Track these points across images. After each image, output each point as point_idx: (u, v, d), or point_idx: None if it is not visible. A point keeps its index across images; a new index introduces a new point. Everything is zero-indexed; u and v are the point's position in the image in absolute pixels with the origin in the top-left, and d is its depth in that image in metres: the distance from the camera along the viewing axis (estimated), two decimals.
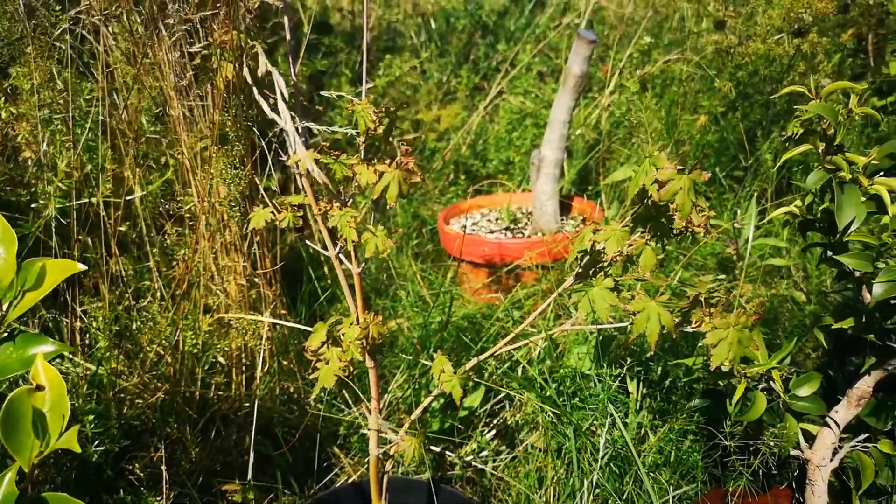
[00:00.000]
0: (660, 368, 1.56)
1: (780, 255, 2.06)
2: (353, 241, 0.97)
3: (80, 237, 1.47)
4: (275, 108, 0.86)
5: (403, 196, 0.89)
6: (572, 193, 2.74)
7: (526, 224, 2.61)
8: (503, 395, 1.59)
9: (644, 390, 1.48)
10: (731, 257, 1.95)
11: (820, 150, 1.11)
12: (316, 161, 0.93)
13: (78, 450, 0.66)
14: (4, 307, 0.84)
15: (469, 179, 3.05)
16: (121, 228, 1.52)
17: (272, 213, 1.04)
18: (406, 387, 1.65)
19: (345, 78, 3.01)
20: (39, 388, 0.73)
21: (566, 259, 2.21)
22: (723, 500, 1.40)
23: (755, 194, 2.10)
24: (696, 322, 1.05)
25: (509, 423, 1.56)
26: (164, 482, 1.20)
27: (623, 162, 2.63)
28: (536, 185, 2.46)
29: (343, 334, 1.10)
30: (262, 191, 1.08)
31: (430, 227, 2.77)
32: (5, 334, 0.85)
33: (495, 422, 1.55)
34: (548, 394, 1.42)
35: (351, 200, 1.04)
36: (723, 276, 1.93)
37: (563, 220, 2.52)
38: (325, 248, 1.08)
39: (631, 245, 1.07)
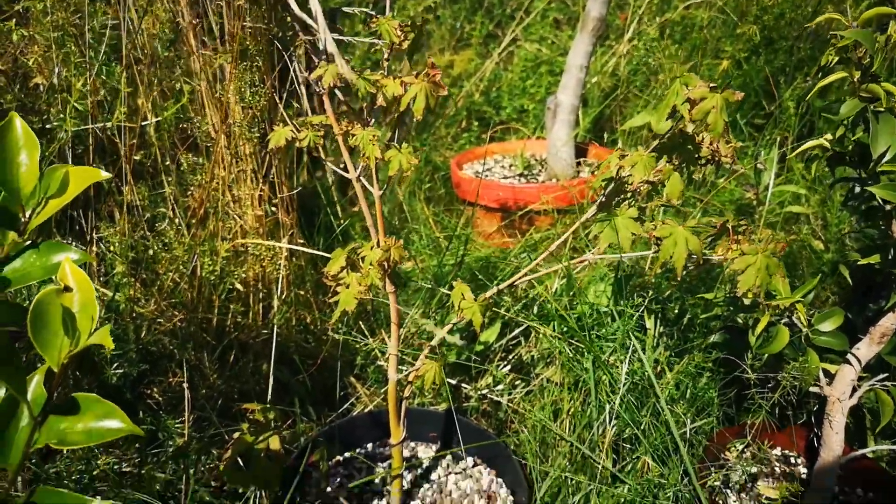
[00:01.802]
0: (677, 308, 1.56)
1: (800, 202, 2.03)
2: (376, 159, 0.95)
3: (94, 164, 1.45)
4: (304, 7, 0.83)
5: (430, 110, 0.87)
6: (587, 141, 2.71)
7: (540, 171, 2.59)
8: (519, 331, 1.59)
9: (661, 328, 1.47)
10: (750, 203, 1.93)
11: (855, 79, 1.08)
12: (339, 77, 0.91)
13: (111, 346, 0.66)
14: (27, 214, 0.82)
15: (482, 126, 3.01)
16: (135, 157, 1.50)
17: (293, 132, 1.02)
18: (422, 320, 1.65)
19: (358, 18, 2.95)
20: (67, 289, 0.73)
21: (582, 203, 2.19)
22: (739, 435, 1.41)
23: (776, 141, 2.07)
24: (722, 250, 1.04)
25: (525, 358, 1.56)
26: (186, 402, 1.21)
27: (641, 109, 2.59)
28: (552, 130, 2.42)
29: (363, 258, 1.09)
30: (282, 110, 1.06)
31: (442, 173, 2.75)
32: (28, 242, 0.85)
33: (511, 357, 1.56)
34: (566, 328, 1.41)
35: (372, 121, 1.02)
36: (744, 220, 1.90)
37: (578, 166, 2.49)
38: (345, 171, 1.06)
39: (658, 172, 1.05)
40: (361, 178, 1.06)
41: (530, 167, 2.61)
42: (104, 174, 0.84)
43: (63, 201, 0.82)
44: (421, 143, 2.83)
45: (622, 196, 1.14)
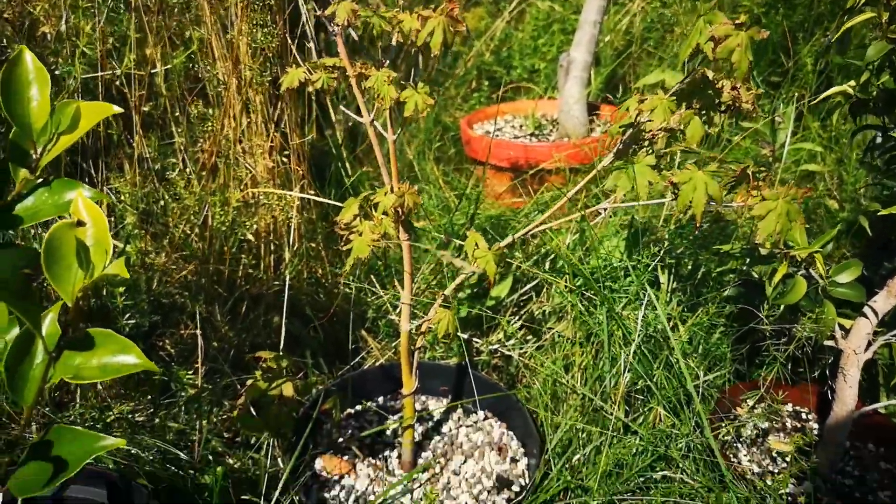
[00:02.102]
0: (690, 263, 1.54)
1: (816, 161, 2.00)
2: (391, 100, 0.93)
3: None
4: None
5: (447, 46, 0.85)
6: (600, 100, 2.66)
7: (551, 131, 2.55)
8: (531, 286, 1.58)
9: (674, 284, 1.46)
10: (766, 160, 1.90)
11: (883, 20, 1.05)
12: (353, 11, 0.88)
13: (127, 275, 0.65)
14: (39, 150, 0.81)
15: (492, 86, 2.97)
16: (145, 108, 1.48)
17: (305, 73, 1.00)
18: (432, 279, 1.65)
19: None
20: (81, 223, 0.72)
21: (594, 162, 2.17)
22: (751, 391, 1.40)
23: (794, 98, 2.03)
24: (742, 196, 1.02)
25: (536, 314, 1.56)
26: (198, 350, 1.21)
27: (654, 68, 2.54)
28: (564, 88, 2.39)
29: (376, 205, 1.08)
30: (294, 51, 1.04)
31: (452, 133, 2.72)
32: (40, 180, 0.84)
33: (522, 312, 1.55)
34: (579, 281, 1.40)
35: (387, 62, 0.99)
36: (764, 168, 1.88)
37: (590, 124, 2.46)
38: (359, 115, 1.04)
39: (677, 118, 1.03)
40: (375, 122, 1.05)
41: (541, 127, 2.58)
42: (116, 108, 0.83)
43: (74, 137, 0.81)
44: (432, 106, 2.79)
45: (639, 144, 1.12)
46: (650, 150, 1.11)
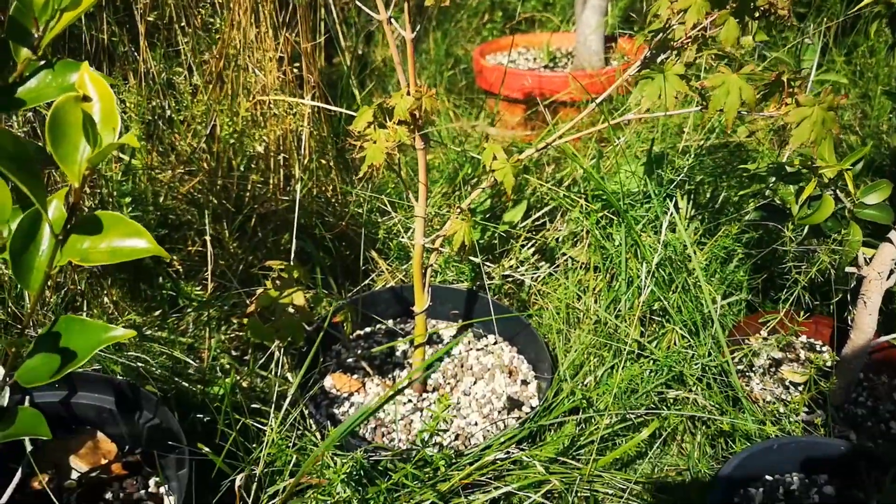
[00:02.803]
0: (710, 190, 1.50)
1: (840, 93, 1.94)
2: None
3: (107, 24, 1.38)
4: None
5: None
6: (617, 34, 2.58)
7: (566, 64, 2.48)
8: (544, 212, 1.54)
9: (692, 211, 1.43)
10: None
11: None
12: None
13: (137, 145, 0.62)
14: (41, 28, 0.77)
15: (505, 18, 2.88)
16: (149, 18, 1.43)
17: None
18: (443, 202, 1.61)
19: None
20: (87, 98, 0.68)
21: (611, 96, 2.10)
22: (765, 322, 1.38)
23: (821, 29, 1.96)
24: (775, 105, 0.97)
25: (549, 242, 1.53)
26: (208, 265, 1.18)
27: None
28: (581, 16, 2.31)
29: (391, 110, 1.03)
30: None
31: (463, 66, 2.64)
32: (42, 62, 0.79)
33: (536, 238, 1.52)
34: (596, 206, 1.37)
35: None
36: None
37: (607, 55, 2.39)
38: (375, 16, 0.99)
39: (710, 19, 0.98)
40: (392, 20, 0.99)
41: (555, 60, 2.51)
42: None
43: (77, 13, 0.76)
44: (443, 32, 2.71)
45: (668, 53, 1.07)
46: (678, 60, 1.06)
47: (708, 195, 1.52)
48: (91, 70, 0.73)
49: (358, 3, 0.94)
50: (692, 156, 1.57)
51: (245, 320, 1.03)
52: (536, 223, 1.56)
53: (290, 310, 1.11)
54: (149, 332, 1.27)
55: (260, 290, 1.05)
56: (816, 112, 0.93)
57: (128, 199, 1.21)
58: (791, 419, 1.16)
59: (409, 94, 1.02)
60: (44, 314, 1.13)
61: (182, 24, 1.43)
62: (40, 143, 1.03)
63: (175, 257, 1.36)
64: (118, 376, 1.09)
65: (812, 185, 1.10)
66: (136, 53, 1.43)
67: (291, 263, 1.10)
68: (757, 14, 1.03)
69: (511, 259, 1.50)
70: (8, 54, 0.78)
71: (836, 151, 1.91)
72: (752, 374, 1.36)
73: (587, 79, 2.09)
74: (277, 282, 1.06)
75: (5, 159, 0.64)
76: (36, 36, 0.77)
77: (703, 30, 1.00)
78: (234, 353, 1.36)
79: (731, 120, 0.94)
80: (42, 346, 0.76)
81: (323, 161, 1.43)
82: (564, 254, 1.44)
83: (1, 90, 0.78)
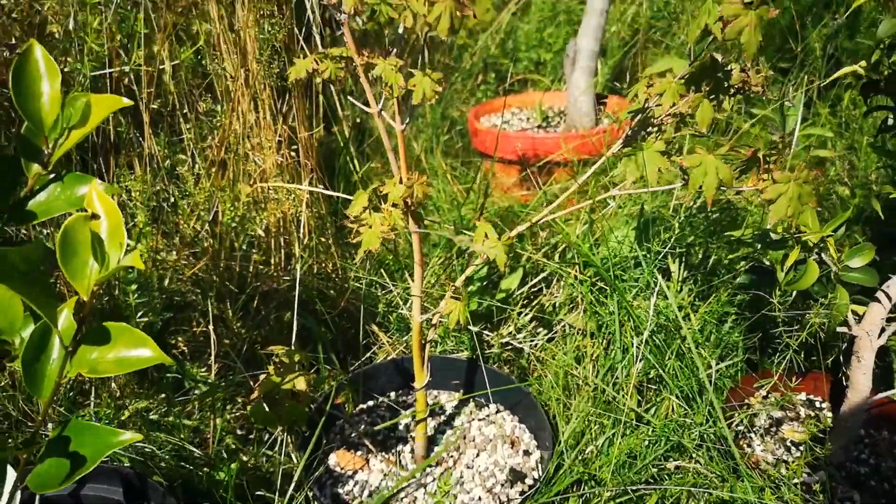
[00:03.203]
0: (701, 251, 1.54)
1: (826, 147, 1.99)
2: (399, 89, 0.93)
3: (113, 113, 1.44)
4: None
5: (455, 30, 0.85)
6: (607, 92, 2.66)
7: (558, 123, 2.55)
8: (540, 278, 1.58)
9: (685, 273, 1.46)
10: (775, 147, 1.89)
11: None
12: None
13: (142, 267, 0.65)
14: (50, 145, 0.82)
15: (498, 79, 2.97)
16: (153, 106, 1.49)
17: (314, 63, 1.00)
18: (441, 272, 1.65)
19: None
20: (95, 216, 0.72)
21: (602, 154, 2.16)
22: (763, 380, 1.40)
23: (803, 82, 2.02)
24: (753, 180, 1.01)
25: (546, 306, 1.55)
26: (211, 348, 1.21)
27: (661, 58, 2.53)
28: (571, 78, 2.38)
29: (385, 197, 1.07)
30: (301, 42, 1.04)
31: (458, 127, 2.71)
32: (52, 175, 0.84)
33: (533, 304, 1.55)
34: (589, 272, 1.40)
35: (393, 52, 0.99)
36: (773, 152, 1.87)
37: (597, 116, 2.45)
38: (366, 106, 1.04)
39: (685, 100, 1.02)
40: (383, 112, 1.04)
41: (548, 119, 2.57)
42: (126, 101, 0.83)
43: (86, 131, 0.81)
44: (437, 99, 2.79)
45: (648, 130, 1.12)
46: (659, 136, 1.11)
47: (700, 255, 1.55)
48: (98, 188, 0.77)
49: (350, 99, 0.99)
50: (682, 216, 1.60)
51: (249, 407, 1.05)
52: (533, 289, 1.59)
53: (297, 388, 1.14)
54: (155, 417, 1.29)
55: (263, 376, 1.08)
56: (792, 188, 0.96)
57: (133, 287, 1.25)
58: (791, 484, 1.17)
59: (401, 181, 1.07)
60: (53, 408, 1.15)
61: (185, 110, 1.49)
62: (50, 244, 1.07)
63: (180, 338, 1.40)
64: (125, 466, 1.11)
65: (795, 252, 1.14)
66: (140, 140, 1.48)
67: (293, 347, 1.13)
68: (732, 91, 1.07)
69: (509, 326, 1.53)
70: (19, 170, 0.82)
71: (824, 204, 1.95)
72: (752, 435, 1.36)
73: (579, 140, 2.14)
74: (280, 367, 1.09)
75: (17, 279, 0.67)
76: (46, 152, 0.82)
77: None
78: (239, 431, 1.38)
79: (710, 199, 0.98)
80: (52, 451, 0.79)
81: (322, 239, 1.47)
82: (561, 320, 1.47)
83: (13, 205, 0.82)
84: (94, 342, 0.74)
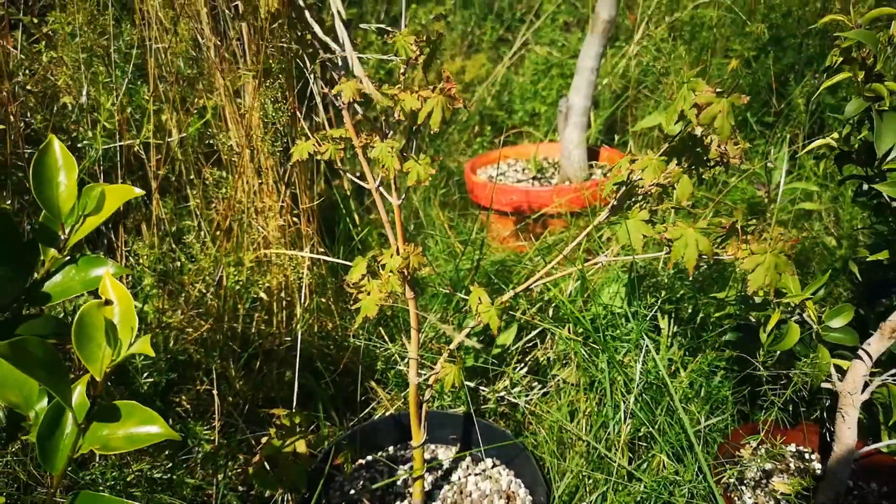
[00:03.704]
0: (690, 307, 1.58)
1: (812, 199, 2.05)
2: (395, 170, 0.99)
3: (122, 180, 1.51)
4: (328, 31, 0.87)
5: (446, 122, 0.91)
6: (599, 143, 2.73)
7: (553, 174, 2.62)
8: (535, 333, 1.62)
9: (675, 328, 1.50)
10: (761, 201, 1.95)
11: (859, 79, 1.11)
12: (358, 91, 0.95)
13: (152, 353, 0.70)
14: (66, 231, 0.87)
15: (495, 131, 3.05)
16: (160, 172, 1.55)
17: (314, 145, 1.06)
18: (437, 326, 1.69)
19: (371, 31, 3.00)
20: (108, 302, 0.77)
21: (595, 206, 2.22)
22: (753, 433, 1.43)
23: (787, 138, 2.09)
24: (732, 250, 1.06)
25: (541, 360, 1.59)
26: (215, 408, 1.25)
27: (651, 110, 2.61)
28: (564, 133, 2.45)
29: (383, 266, 1.13)
30: (303, 124, 1.10)
31: (456, 178, 2.78)
32: (67, 258, 0.89)
33: (527, 359, 1.59)
34: (581, 329, 1.44)
35: (391, 133, 1.06)
36: (754, 220, 1.93)
37: (590, 168, 2.52)
38: (363, 182, 1.10)
39: (667, 175, 1.08)
40: (380, 188, 1.10)
41: (543, 170, 2.64)
42: (137, 191, 0.89)
43: (100, 219, 0.87)
44: (435, 149, 2.87)
45: (633, 199, 1.17)
46: (644, 206, 1.16)
47: (689, 310, 1.59)
48: (111, 275, 0.83)
49: (349, 176, 1.05)
50: (672, 270, 1.65)
51: (250, 469, 1.09)
52: (528, 344, 1.63)
53: (297, 451, 1.18)
54: (158, 475, 1.32)
55: (264, 439, 1.11)
56: (769, 258, 1.02)
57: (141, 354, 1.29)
58: None
59: (398, 252, 1.12)
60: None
61: (191, 177, 1.55)
62: (62, 318, 1.12)
63: (184, 397, 1.43)
64: None
65: (776, 315, 1.18)
66: (148, 204, 1.54)
67: (294, 404, 1.17)
68: (711, 164, 1.13)
69: (505, 380, 1.57)
70: (37, 255, 0.88)
71: (812, 252, 2.00)
72: (743, 488, 1.39)
73: (572, 193, 2.21)
74: (281, 430, 1.13)
75: (33, 364, 0.72)
76: (62, 238, 0.88)
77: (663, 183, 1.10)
78: (241, 488, 1.41)
79: (692, 269, 1.03)
80: None
81: (322, 299, 1.52)
82: (555, 375, 1.51)
83: (30, 286, 0.88)
84: (106, 419, 0.79)
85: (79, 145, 1.39)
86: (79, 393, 0.81)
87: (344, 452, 1.24)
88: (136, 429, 0.78)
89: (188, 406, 1.45)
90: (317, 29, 0.87)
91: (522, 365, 1.58)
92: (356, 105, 0.98)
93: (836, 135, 1.19)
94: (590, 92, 2.39)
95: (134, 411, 0.78)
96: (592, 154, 2.59)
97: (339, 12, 0.84)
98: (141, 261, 1.43)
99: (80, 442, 0.78)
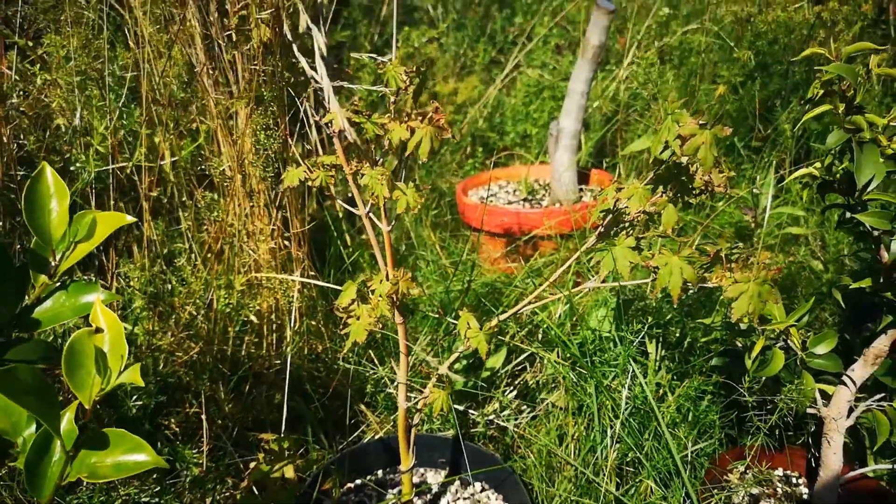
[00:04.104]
0: (678, 331, 1.59)
1: (798, 223, 2.07)
2: (384, 199, 1.00)
3: (114, 202, 1.51)
4: (313, 65, 0.89)
5: (434, 152, 0.92)
6: (590, 166, 2.76)
7: (544, 196, 2.64)
8: (524, 356, 1.63)
9: (662, 352, 1.51)
10: (748, 225, 1.97)
11: (840, 111, 1.13)
12: (348, 119, 0.96)
13: (141, 383, 0.71)
14: (58, 258, 0.88)
15: (486, 152, 3.07)
16: (152, 193, 1.56)
17: (305, 172, 1.07)
18: (429, 350, 1.70)
19: (364, 50, 3.03)
20: (99, 330, 0.78)
21: (585, 228, 2.24)
22: (740, 457, 1.44)
23: (773, 163, 2.11)
24: (716, 277, 1.08)
25: (530, 384, 1.60)
26: (203, 432, 1.25)
27: (641, 133, 2.64)
28: (555, 156, 2.48)
29: (373, 291, 1.14)
30: (294, 151, 1.12)
31: (448, 199, 2.80)
32: (58, 283, 0.90)
33: (517, 382, 1.60)
34: (569, 353, 1.46)
35: (381, 160, 1.07)
36: (740, 244, 1.95)
37: (581, 190, 2.55)
38: (353, 206, 1.12)
39: (653, 203, 1.10)
40: (370, 214, 1.12)
41: (534, 192, 2.66)
42: (129, 218, 0.89)
43: (91, 245, 0.87)
44: (427, 170, 2.89)
45: (620, 226, 1.19)
46: (630, 232, 1.18)
47: (677, 334, 1.60)
48: (101, 302, 0.83)
49: (339, 202, 1.06)
50: (660, 294, 1.67)
51: (238, 495, 1.09)
52: (518, 367, 1.64)
53: (285, 476, 1.18)
54: (146, 499, 1.32)
55: (253, 465, 1.12)
56: (752, 287, 1.03)
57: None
58: None
59: (387, 277, 1.13)
60: None
61: (183, 198, 1.56)
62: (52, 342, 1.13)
63: (172, 420, 1.43)
64: None
65: (761, 341, 1.20)
66: (140, 225, 1.55)
67: (283, 428, 1.17)
68: (696, 192, 1.15)
69: (494, 403, 1.57)
70: (27, 280, 0.88)
71: (799, 276, 2.02)
72: None
73: (562, 215, 2.23)
74: (269, 454, 1.13)
75: (22, 392, 0.72)
76: (53, 264, 0.88)
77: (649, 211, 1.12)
78: None
79: (676, 296, 1.04)
80: None
81: (313, 322, 1.53)
82: (544, 399, 1.52)
83: (20, 312, 0.88)
84: (94, 447, 0.79)
85: (72, 168, 1.39)
86: (67, 420, 0.81)
87: (332, 477, 1.24)
88: (125, 457, 0.78)
89: (177, 429, 1.44)
90: (304, 62, 0.88)
91: (511, 388, 1.58)
92: (347, 135, 0.99)
93: (818, 164, 1.22)
94: (580, 115, 2.42)
95: (122, 439, 0.78)
96: (582, 176, 2.62)
97: (320, 49, 0.86)
98: (132, 283, 1.43)
99: (67, 469, 0.79)
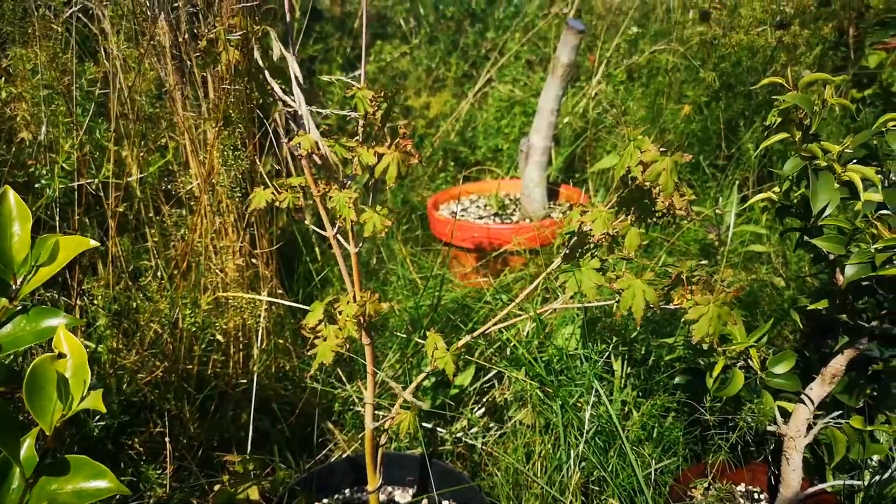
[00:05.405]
0: (643, 349, 1.62)
1: (761, 241, 2.12)
2: (352, 221, 1.01)
3: (79, 217, 1.49)
4: (287, 91, 0.90)
5: (402, 177, 0.93)
6: (559, 181, 2.79)
7: (514, 210, 2.66)
8: (493, 374, 1.64)
9: (628, 369, 1.54)
10: (712, 243, 2.02)
11: (797, 139, 1.17)
12: (316, 143, 0.97)
13: (103, 410, 0.70)
14: (18, 282, 0.87)
15: (458, 166, 3.09)
16: (119, 209, 1.54)
17: (273, 193, 1.07)
18: (398, 367, 1.70)
19: (336, 64, 3.03)
20: (62, 355, 0.77)
21: (553, 244, 2.27)
22: (703, 474, 1.46)
23: (737, 182, 2.16)
24: (678, 299, 1.10)
25: (498, 401, 1.61)
26: (167, 452, 1.24)
27: (609, 150, 2.68)
28: (525, 172, 2.51)
29: (340, 312, 1.14)
30: (262, 172, 1.12)
31: (419, 212, 2.81)
32: (19, 308, 0.89)
33: (485, 400, 1.61)
34: (536, 371, 1.47)
35: (349, 182, 1.08)
36: (705, 262, 1.99)
37: (550, 206, 2.58)
38: (322, 228, 1.12)
39: (616, 226, 1.12)
40: (338, 235, 1.12)
41: (505, 207, 2.69)
42: (93, 243, 0.89)
43: (53, 270, 0.87)
44: (398, 184, 2.90)
45: (585, 247, 1.21)
46: (595, 253, 1.20)
47: (643, 351, 1.63)
48: (64, 327, 0.82)
49: (307, 223, 1.06)
50: (626, 312, 1.69)
51: None
52: (486, 384, 1.65)
53: (250, 498, 1.17)
54: None
55: (217, 487, 1.11)
56: (712, 309, 1.06)
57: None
58: None
59: (355, 299, 1.14)
60: None
61: (150, 214, 1.55)
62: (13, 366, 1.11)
63: (136, 440, 1.42)
64: None
65: (721, 362, 1.22)
66: (105, 241, 1.53)
67: (247, 456, 1.16)
68: (658, 215, 1.18)
69: (462, 421, 1.58)
70: None
71: (761, 292, 2.07)
72: None
73: (531, 231, 2.25)
74: (234, 476, 1.12)
75: None
76: (14, 287, 0.87)
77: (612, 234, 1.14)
78: None
79: (639, 318, 1.06)
80: None
81: (280, 340, 1.52)
82: (512, 417, 1.53)
83: None
84: (55, 474, 0.78)
85: (36, 185, 1.38)
86: (27, 447, 0.80)
87: (298, 498, 1.24)
88: (86, 483, 0.77)
89: (141, 449, 1.43)
90: (276, 89, 0.89)
91: (480, 406, 1.59)
92: (315, 157, 1.00)
93: (776, 188, 1.25)
94: (550, 133, 2.46)
95: (83, 466, 0.78)
96: (553, 192, 2.65)
97: (296, 77, 0.87)
98: (96, 300, 1.41)
99: (27, 497, 0.77)
